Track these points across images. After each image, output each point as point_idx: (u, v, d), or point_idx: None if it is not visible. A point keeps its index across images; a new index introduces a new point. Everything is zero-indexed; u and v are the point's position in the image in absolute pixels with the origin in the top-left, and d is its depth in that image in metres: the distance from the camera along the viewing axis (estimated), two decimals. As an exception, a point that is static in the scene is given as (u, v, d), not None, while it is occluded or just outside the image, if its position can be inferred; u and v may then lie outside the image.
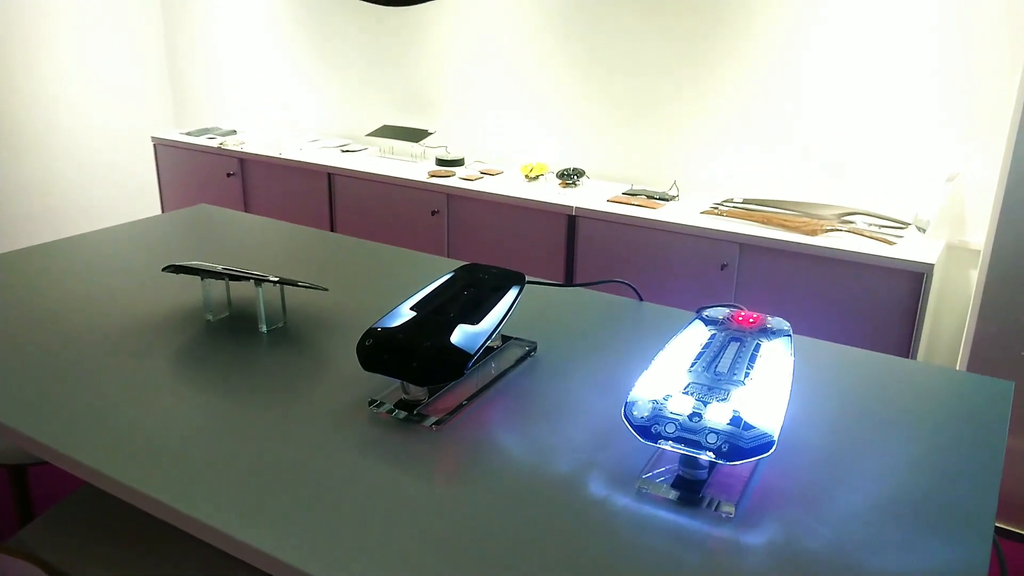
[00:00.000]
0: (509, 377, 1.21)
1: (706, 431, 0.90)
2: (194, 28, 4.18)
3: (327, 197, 3.33)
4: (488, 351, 1.26)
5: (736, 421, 0.90)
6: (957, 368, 2.20)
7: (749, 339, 1.07)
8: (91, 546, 1.22)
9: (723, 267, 2.48)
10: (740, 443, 0.88)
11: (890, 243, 2.31)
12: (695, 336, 1.09)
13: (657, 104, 2.93)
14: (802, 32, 2.59)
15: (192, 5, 4.15)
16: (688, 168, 2.93)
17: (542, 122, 3.22)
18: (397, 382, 1.17)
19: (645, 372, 1.01)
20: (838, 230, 2.42)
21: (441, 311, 1.16)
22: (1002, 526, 2.24)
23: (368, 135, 3.51)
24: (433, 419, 1.08)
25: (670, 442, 0.90)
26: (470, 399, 1.14)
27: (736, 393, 0.94)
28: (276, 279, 1.33)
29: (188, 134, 3.82)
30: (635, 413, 0.94)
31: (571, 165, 3.20)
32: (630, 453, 1.01)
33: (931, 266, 2.16)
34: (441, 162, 3.24)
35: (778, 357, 1.03)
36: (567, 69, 3.10)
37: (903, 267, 2.20)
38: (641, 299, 1.53)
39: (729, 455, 0.87)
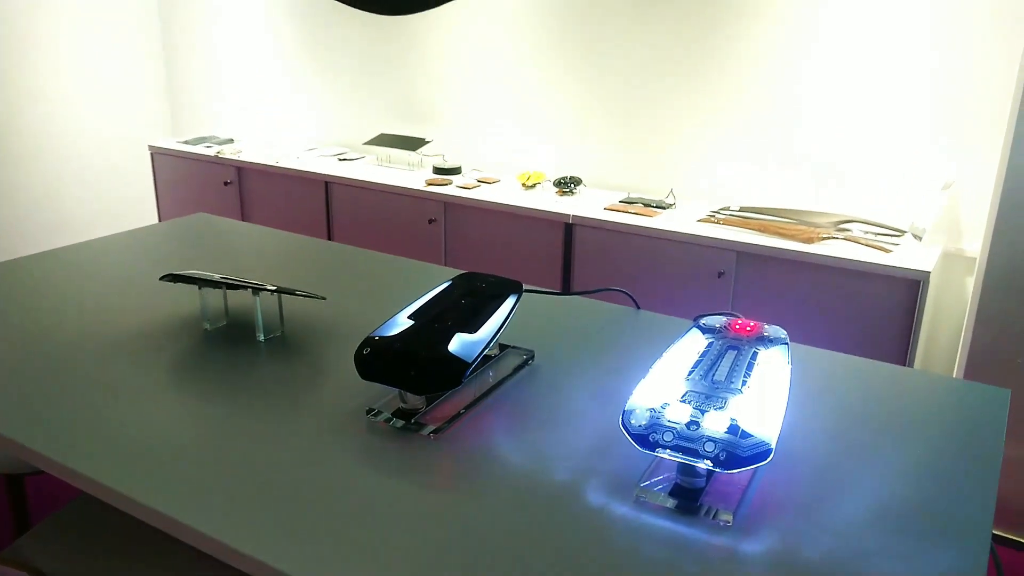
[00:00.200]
0: (507, 386, 1.21)
1: (704, 439, 0.90)
2: (192, 37, 4.19)
3: (324, 206, 3.33)
4: (486, 360, 1.27)
5: (734, 429, 0.90)
6: (954, 376, 2.20)
7: (746, 347, 1.07)
8: (88, 556, 1.21)
9: (720, 275, 2.48)
10: (738, 451, 0.88)
11: (886, 251, 2.31)
12: (692, 344, 1.09)
13: (654, 112, 2.94)
14: (799, 41, 2.61)
15: (189, 14, 4.16)
16: (685, 176, 2.94)
17: (539, 130, 3.23)
18: (395, 391, 1.17)
19: (643, 380, 1.01)
20: (834, 238, 2.42)
21: (439, 320, 1.17)
22: (999, 533, 2.24)
23: (365, 143, 3.51)
24: (431, 428, 1.08)
25: (668, 450, 0.90)
26: (468, 408, 1.14)
27: (733, 401, 0.95)
28: (274, 288, 1.33)
29: (185, 143, 3.83)
30: (633, 421, 0.94)
31: (568, 173, 3.20)
32: (628, 462, 1.01)
33: (927, 274, 2.17)
34: (438, 170, 3.25)
35: (775, 365, 1.03)
36: (564, 77, 3.11)
37: (899, 275, 2.21)
38: (638, 307, 1.53)
39: (727, 463, 0.87)
